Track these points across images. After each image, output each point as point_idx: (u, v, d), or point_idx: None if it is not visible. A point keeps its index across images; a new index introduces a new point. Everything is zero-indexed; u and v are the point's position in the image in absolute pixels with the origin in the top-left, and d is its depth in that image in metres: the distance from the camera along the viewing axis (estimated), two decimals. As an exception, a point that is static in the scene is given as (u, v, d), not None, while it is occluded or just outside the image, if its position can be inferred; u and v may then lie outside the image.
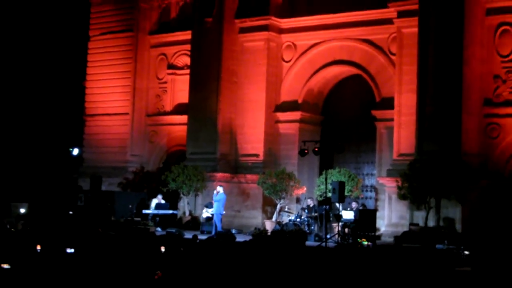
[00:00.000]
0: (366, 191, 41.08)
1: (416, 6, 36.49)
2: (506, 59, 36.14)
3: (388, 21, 38.49)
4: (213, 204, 36.60)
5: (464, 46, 35.21)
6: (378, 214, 36.25)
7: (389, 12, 38.30)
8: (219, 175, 41.17)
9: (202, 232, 36.37)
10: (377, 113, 39.37)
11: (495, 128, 36.07)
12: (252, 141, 42.08)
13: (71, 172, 47.61)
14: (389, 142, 38.35)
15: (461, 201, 34.02)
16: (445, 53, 35.38)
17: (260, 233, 34.77)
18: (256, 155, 41.81)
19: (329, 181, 35.07)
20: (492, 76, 36.34)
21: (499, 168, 35.87)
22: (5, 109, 53.05)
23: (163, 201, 39.35)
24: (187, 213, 40.75)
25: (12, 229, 29.37)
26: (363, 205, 37.48)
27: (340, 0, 41.01)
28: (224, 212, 36.82)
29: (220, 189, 36.96)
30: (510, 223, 34.42)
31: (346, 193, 34.85)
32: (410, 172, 34.14)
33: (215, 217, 36.29)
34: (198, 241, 26.62)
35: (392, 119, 37.88)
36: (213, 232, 35.11)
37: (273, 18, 42.24)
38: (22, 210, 39.97)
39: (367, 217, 33.55)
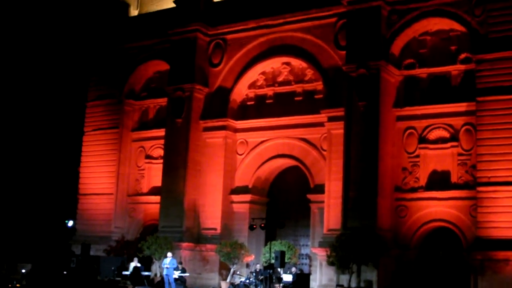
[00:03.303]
0: (302, 258, 40.95)
1: (342, 113, 37.14)
2: (412, 155, 36.63)
3: (320, 124, 38.98)
4: (166, 268, 35.68)
5: (379, 145, 35.78)
6: (311, 277, 36.24)
7: (321, 117, 38.84)
8: (184, 244, 40.83)
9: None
10: (311, 197, 39.55)
11: (403, 209, 36.31)
12: (212, 217, 41.92)
13: (66, 240, 46.92)
14: (320, 219, 38.39)
15: (376, 267, 34.09)
16: (364, 150, 35.87)
17: (217, 291, 34.53)
18: (215, 229, 41.60)
19: (272, 250, 35.03)
20: (401, 168, 36.79)
21: (406, 240, 36.03)
22: (19, 193, 53.70)
23: (139, 264, 38.81)
24: (158, 274, 40.21)
25: (18, 285, 28.88)
26: (300, 269, 37.43)
27: (282, 106, 41.59)
28: (175, 273, 36.05)
29: (170, 255, 36.51)
30: (415, 284, 34.62)
31: (286, 260, 34.71)
32: (337, 243, 34.20)
33: (170, 278, 35.37)
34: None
35: (323, 201, 38.03)
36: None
37: (229, 120, 42.61)
38: (24, 270, 39.18)
39: (302, 279, 33.53)
